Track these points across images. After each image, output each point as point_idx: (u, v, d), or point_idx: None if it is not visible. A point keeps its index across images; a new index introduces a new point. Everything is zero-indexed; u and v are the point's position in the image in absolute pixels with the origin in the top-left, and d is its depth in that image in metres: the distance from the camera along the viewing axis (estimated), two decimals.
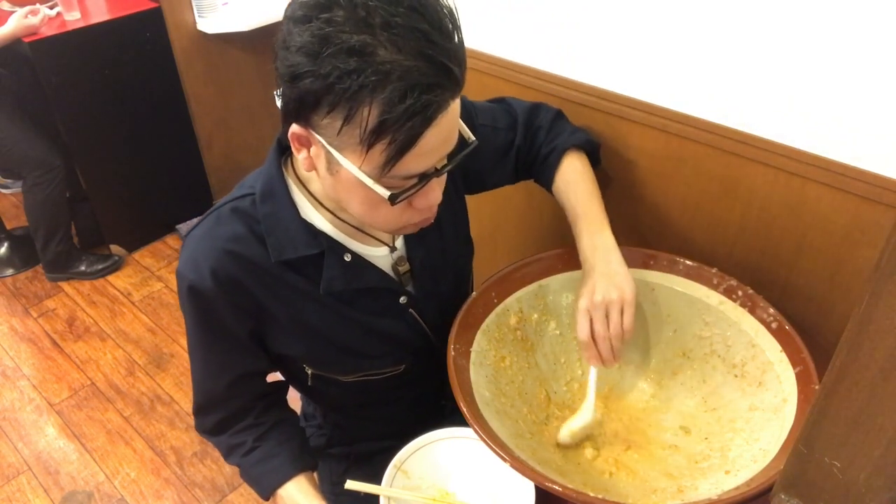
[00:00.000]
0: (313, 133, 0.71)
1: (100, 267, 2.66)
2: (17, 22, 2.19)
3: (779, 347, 0.90)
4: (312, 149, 0.74)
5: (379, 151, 0.68)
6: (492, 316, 0.98)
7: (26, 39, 2.23)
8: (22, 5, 2.33)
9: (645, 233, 1.18)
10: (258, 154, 3.07)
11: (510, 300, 1.00)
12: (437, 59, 0.66)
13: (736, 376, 0.94)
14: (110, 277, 2.67)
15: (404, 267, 0.93)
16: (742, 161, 0.99)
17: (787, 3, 0.85)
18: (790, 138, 0.93)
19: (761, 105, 0.94)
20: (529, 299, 1.02)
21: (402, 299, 0.93)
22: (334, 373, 0.95)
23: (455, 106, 0.71)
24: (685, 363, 1.00)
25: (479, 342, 0.95)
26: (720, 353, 0.97)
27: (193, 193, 2.91)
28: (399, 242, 0.93)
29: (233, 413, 0.96)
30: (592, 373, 0.94)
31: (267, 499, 0.96)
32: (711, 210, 1.07)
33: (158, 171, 2.74)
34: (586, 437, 0.95)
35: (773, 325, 0.92)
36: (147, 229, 2.84)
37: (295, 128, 0.72)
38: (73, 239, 2.66)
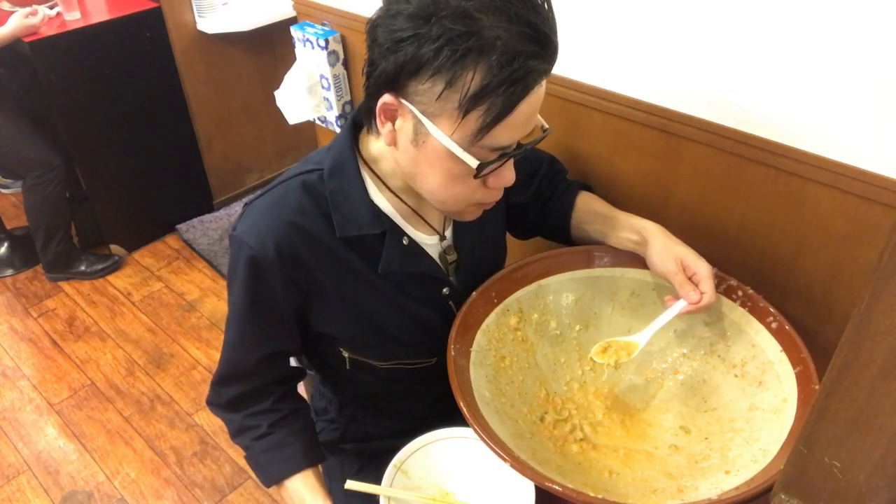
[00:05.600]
0: (405, 103, 0.73)
1: (100, 267, 2.66)
2: (18, 22, 2.19)
3: (779, 347, 0.90)
4: (398, 121, 0.77)
5: (475, 118, 0.71)
6: (492, 316, 0.98)
7: (26, 39, 2.23)
8: (22, 5, 2.33)
9: None
10: (258, 154, 3.07)
11: (510, 300, 1.00)
12: (541, 29, 0.69)
13: (736, 376, 0.94)
14: (110, 277, 2.67)
15: (452, 256, 0.96)
16: (742, 161, 0.99)
17: (786, 3, 0.85)
18: (790, 138, 0.93)
19: (761, 105, 0.94)
20: (529, 299, 1.02)
21: (445, 290, 0.96)
22: (371, 357, 0.96)
23: (544, 83, 0.74)
24: (685, 363, 1.00)
25: (479, 342, 0.95)
26: (720, 353, 0.97)
27: (193, 193, 2.91)
28: (448, 232, 0.96)
29: (252, 391, 0.97)
30: (678, 306, 0.93)
31: (268, 486, 0.96)
32: (711, 210, 1.07)
33: (158, 171, 2.74)
34: (616, 360, 0.95)
35: (773, 325, 0.92)
36: (147, 229, 2.84)
37: (387, 98, 0.74)
38: (73, 239, 2.66)
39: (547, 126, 0.81)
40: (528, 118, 0.74)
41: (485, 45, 0.67)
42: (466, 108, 0.70)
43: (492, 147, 0.74)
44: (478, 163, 0.74)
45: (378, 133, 0.83)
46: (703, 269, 0.92)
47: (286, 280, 0.86)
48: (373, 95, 0.77)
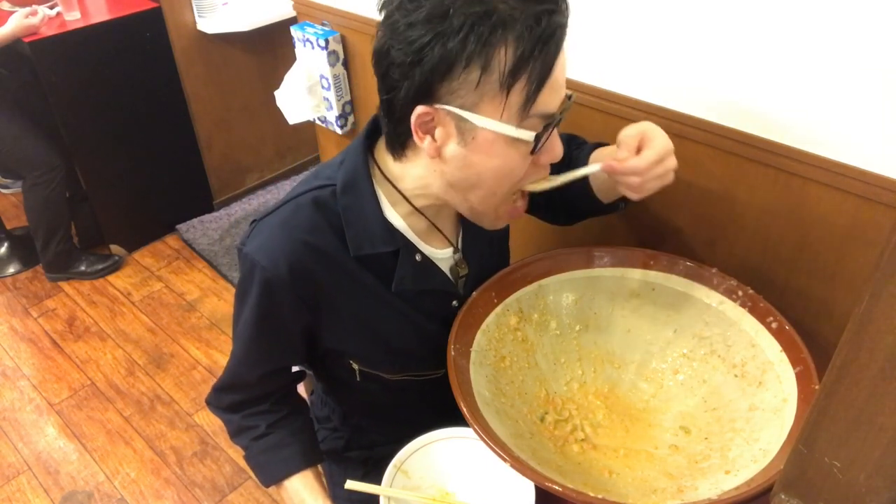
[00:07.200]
0: (442, 107, 0.72)
1: (100, 267, 2.66)
2: (18, 22, 2.19)
3: (779, 347, 0.90)
4: (438, 130, 0.75)
5: (518, 91, 0.71)
6: (492, 316, 0.98)
7: (26, 39, 2.23)
8: (22, 5, 2.33)
9: (645, 233, 1.18)
10: (258, 154, 3.07)
11: (510, 300, 1.00)
12: None
13: (736, 376, 0.94)
14: (110, 277, 2.67)
15: (463, 270, 0.96)
16: (742, 161, 0.99)
17: (786, 3, 0.85)
18: (790, 138, 0.93)
19: (761, 105, 0.94)
20: (529, 299, 1.02)
21: (455, 303, 0.96)
22: (381, 371, 0.96)
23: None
24: (685, 363, 1.00)
25: (479, 342, 0.95)
26: (720, 353, 0.97)
27: (193, 193, 2.91)
28: (461, 244, 0.96)
29: (253, 397, 0.98)
30: (593, 168, 0.84)
31: (267, 486, 0.96)
32: (711, 210, 1.07)
33: (158, 171, 2.74)
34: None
35: (773, 325, 0.92)
36: (147, 229, 2.84)
37: (420, 110, 0.73)
38: (74, 239, 2.66)
39: (571, 92, 0.80)
40: (562, 77, 0.75)
41: (506, 18, 0.67)
42: (508, 85, 0.70)
43: (540, 114, 0.74)
44: (534, 134, 0.74)
45: (402, 159, 0.82)
46: (658, 139, 0.82)
47: (296, 299, 0.85)
48: (402, 119, 0.75)
